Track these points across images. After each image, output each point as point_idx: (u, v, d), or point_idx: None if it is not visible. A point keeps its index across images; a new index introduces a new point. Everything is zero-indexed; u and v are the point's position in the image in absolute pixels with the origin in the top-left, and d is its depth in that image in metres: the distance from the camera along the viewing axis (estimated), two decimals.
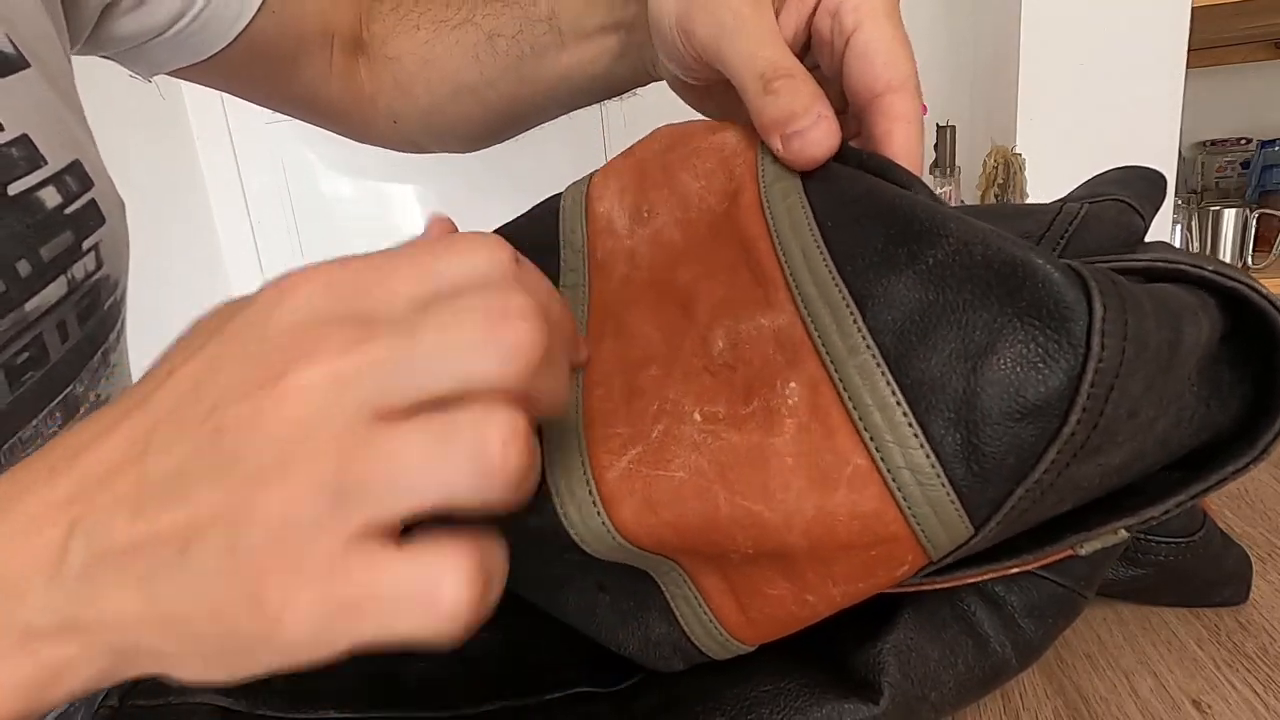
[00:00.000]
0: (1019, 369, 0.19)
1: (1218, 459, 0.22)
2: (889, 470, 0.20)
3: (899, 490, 0.20)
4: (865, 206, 0.24)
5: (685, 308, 0.25)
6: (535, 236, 0.31)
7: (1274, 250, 1.36)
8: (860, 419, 0.20)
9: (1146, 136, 1.25)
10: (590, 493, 0.22)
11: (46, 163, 0.32)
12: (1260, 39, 1.55)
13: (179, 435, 0.16)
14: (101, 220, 0.35)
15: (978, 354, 0.19)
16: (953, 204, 1.34)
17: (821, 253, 0.24)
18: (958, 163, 1.35)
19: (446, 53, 0.48)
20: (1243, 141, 1.63)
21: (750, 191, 0.27)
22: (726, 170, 0.28)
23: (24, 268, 0.30)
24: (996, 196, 1.22)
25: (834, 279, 0.23)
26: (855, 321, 0.21)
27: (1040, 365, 0.19)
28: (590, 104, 0.49)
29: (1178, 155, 1.28)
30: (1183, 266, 0.21)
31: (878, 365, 0.21)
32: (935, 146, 1.34)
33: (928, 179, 1.36)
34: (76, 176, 0.34)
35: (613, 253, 0.29)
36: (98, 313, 0.36)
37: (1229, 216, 1.35)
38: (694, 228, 0.28)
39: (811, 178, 0.26)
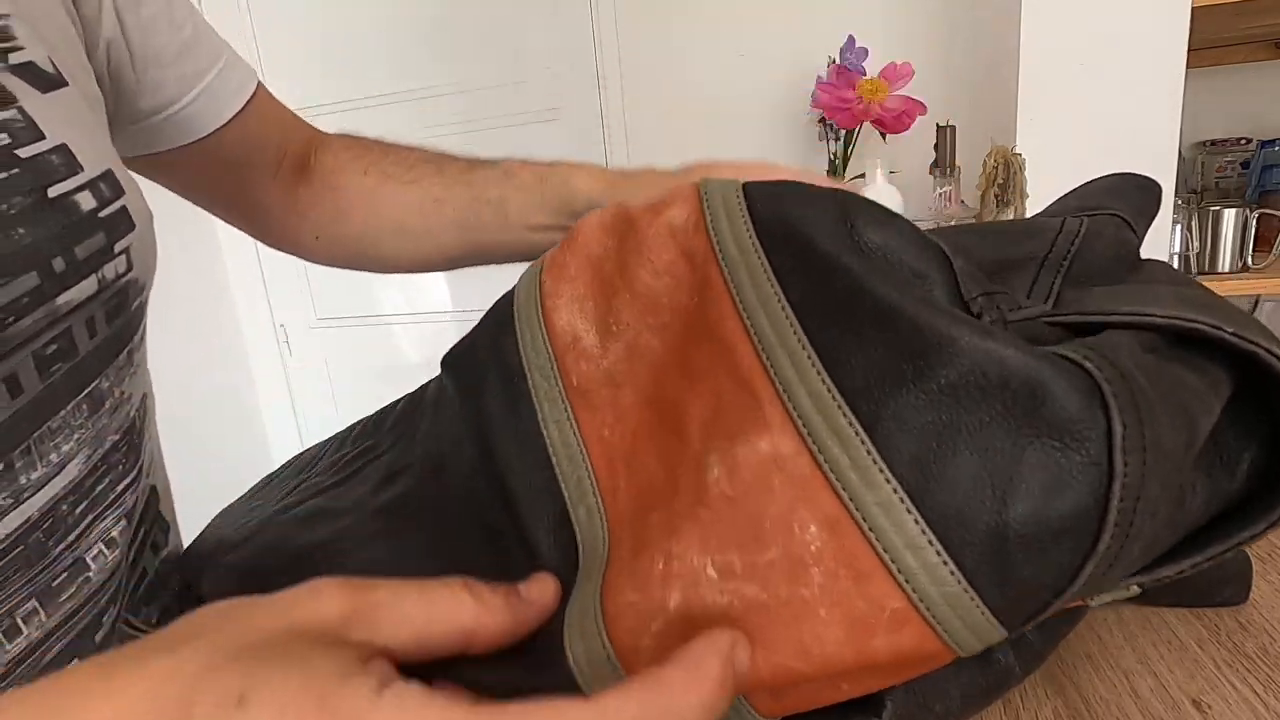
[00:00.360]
0: (1046, 494, 0.19)
1: (1234, 521, 0.22)
2: (928, 609, 0.19)
3: (938, 624, 0.19)
4: (856, 309, 0.22)
5: (678, 430, 0.23)
6: (496, 361, 0.29)
7: (1274, 250, 1.36)
8: (892, 561, 0.19)
9: (1146, 136, 1.25)
10: (619, 675, 0.21)
11: (83, 170, 0.35)
12: (1260, 39, 1.55)
13: None
14: (132, 226, 0.37)
15: (1003, 482, 0.19)
16: (952, 205, 1.34)
17: (814, 363, 0.22)
18: (958, 163, 1.35)
19: (391, 199, 0.52)
20: (1243, 141, 1.63)
21: (716, 277, 0.24)
22: (686, 257, 0.26)
23: (59, 264, 0.33)
24: (996, 197, 1.22)
25: (834, 399, 0.21)
26: (870, 453, 0.20)
27: (1066, 489, 0.18)
28: None
29: (1178, 155, 1.28)
30: (1201, 326, 0.20)
31: (901, 501, 0.19)
32: (935, 146, 1.34)
33: (927, 179, 1.36)
34: (109, 184, 0.36)
35: (589, 377, 0.27)
36: (125, 313, 0.38)
37: (1229, 216, 1.35)
38: (670, 331, 0.25)
39: (784, 262, 0.24)
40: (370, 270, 0.58)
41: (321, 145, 0.56)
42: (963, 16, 1.53)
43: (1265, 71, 1.60)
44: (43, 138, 0.33)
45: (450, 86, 1.82)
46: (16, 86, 0.33)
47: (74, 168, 0.34)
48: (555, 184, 0.48)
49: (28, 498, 0.33)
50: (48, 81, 0.35)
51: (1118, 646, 0.33)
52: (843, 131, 1.43)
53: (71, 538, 0.36)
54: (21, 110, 0.33)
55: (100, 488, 0.38)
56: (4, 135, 0.32)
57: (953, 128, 1.33)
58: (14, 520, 0.33)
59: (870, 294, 0.22)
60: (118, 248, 0.36)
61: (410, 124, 1.86)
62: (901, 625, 0.19)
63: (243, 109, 0.49)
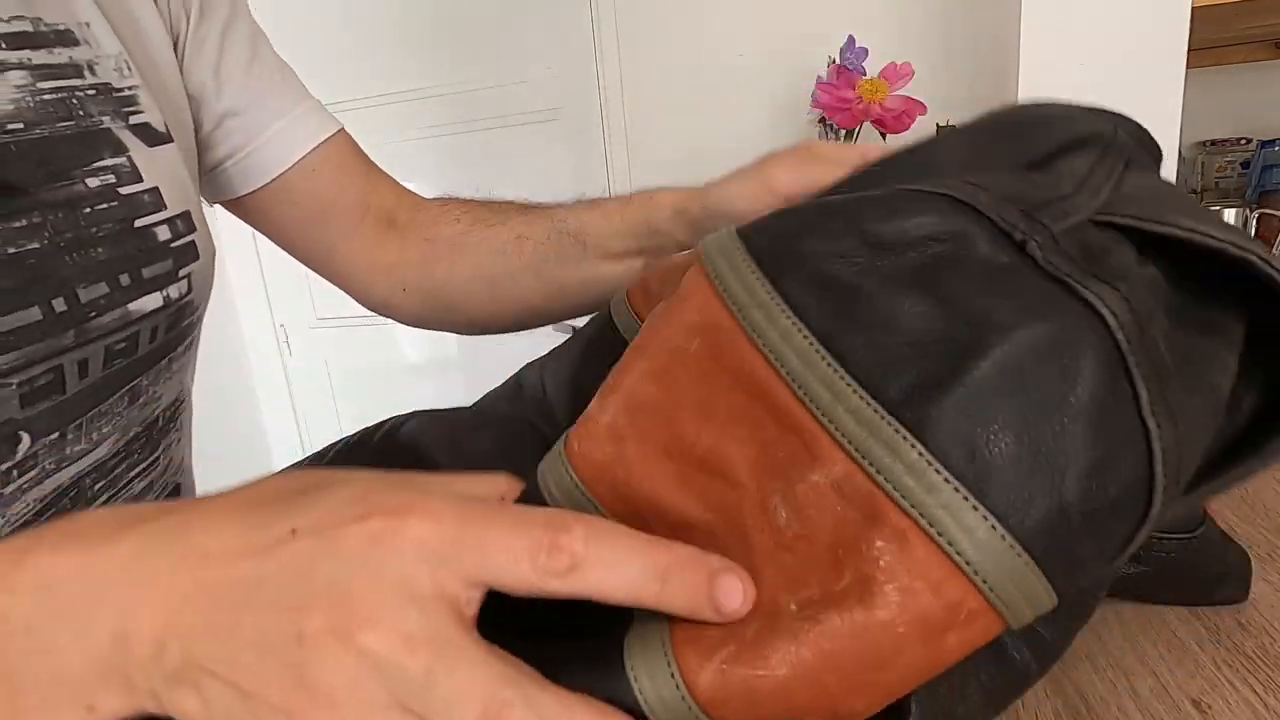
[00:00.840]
0: (1098, 471, 0.19)
1: (1225, 463, 0.22)
2: (1003, 603, 0.19)
3: (1007, 609, 0.19)
4: (885, 323, 0.22)
5: (724, 475, 0.23)
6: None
7: (1274, 250, 1.36)
8: (967, 564, 0.19)
9: None
10: (681, 695, 0.20)
11: (167, 208, 0.44)
12: (1260, 39, 1.55)
13: (273, 621, 0.20)
14: (196, 257, 0.46)
15: (1059, 465, 0.19)
16: None
17: (848, 383, 0.21)
18: None
19: (476, 244, 0.56)
20: (1243, 141, 1.62)
21: (726, 322, 0.24)
22: (680, 299, 0.25)
23: (124, 279, 0.41)
24: None
25: (877, 411, 0.21)
26: (922, 455, 0.20)
27: (1115, 462, 0.19)
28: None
29: (1178, 155, 1.28)
30: (1221, 243, 0.21)
31: (965, 499, 0.19)
32: None
33: None
34: (185, 222, 0.45)
35: (590, 441, 0.25)
36: (177, 328, 0.46)
37: (1229, 216, 1.35)
38: (670, 377, 0.24)
39: (795, 290, 0.23)
40: (456, 328, 0.60)
41: (417, 204, 0.60)
42: (963, 16, 1.53)
43: (1265, 71, 1.60)
44: (141, 181, 0.43)
45: (450, 86, 1.82)
46: (131, 141, 0.43)
47: (159, 206, 0.43)
48: (638, 204, 0.50)
49: (65, 467, 0.40)
50: (156, 138, 0.45)
51: (1118, 646, 0.33)
52: (843, 131, 1.43)
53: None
54: (130, 159, 0.42)
55: (118, 470, 0.44)
56: (112, 176, 0.41)
57: (952, 127, 1.33)
58: (49, 485, 0.39)
59: (889, 301, 0.22)
60: (181, 273, 0.44)
61: (410, 124, 1.86)
62: (975, 619, 0.19)
63: (299, 163, 0.54)
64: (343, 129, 0.57)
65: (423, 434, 0.37)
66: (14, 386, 0.37)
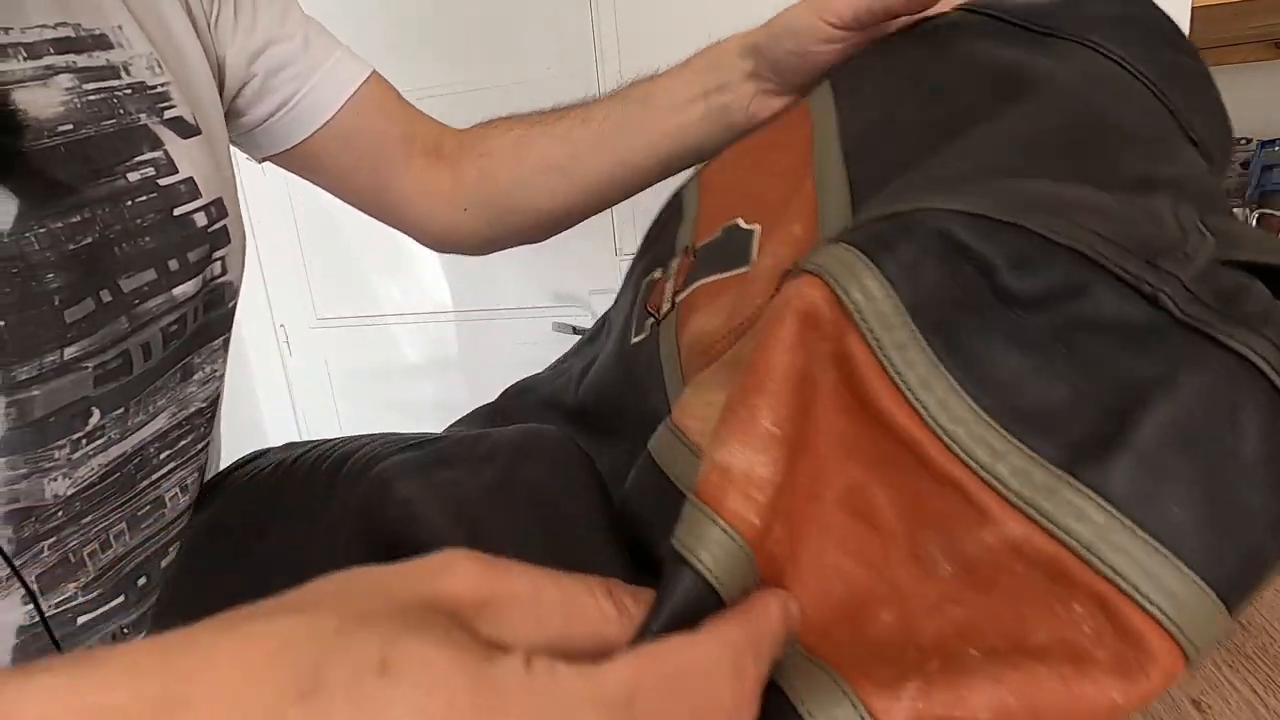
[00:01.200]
0: (1253, 488, 0.19)
1: None
2: (1198, 651, 0.19)
3: (1198, 656, 0.19)
4: (1020, 376, 0.21)
5: (869, 520, 0.22)
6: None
7: None
8: (1172, 623, 0.19)
9: None
10: None
11: (202, 196, 0.47)
12: (1260, 39, 1.55)
13: None
14: (229, 240, 0.49)
15: (1246, 512, 0.19)
16: None
17: (1009, 440, 0.20)
18: None
19: (539, 138, 0.58)
20: (1243, 141, 1.63)
21: (860, 352, 0.22)
22: (810, 326, 0.23)
23: (174, 265, 0.45)
24: None
25: (1052, 473, 0.20)
26: (1114, 516, 0.19)
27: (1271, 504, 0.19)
28: (674, 174, 0.54)
29: None
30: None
31: (1163, 555, 0.19)
32: None
33: None
34: (218, 208, 0.49)
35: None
36: (220, 307, 0.50)
37: None
38: (809, 414, 0.23)
39: (939, 342, 0.22)
40: (525, 234, 0.60)
41: (458, 132, 0.63)
42: None
43: (1265, 71, 1.60)
44: (177, 172, 0.46)
45: (450, 86, 1.82)
46: (165, 134, 0.46)
47: (195, 194, 0.47)
48: (703, 53, 0.52)
49: (129, 436, 0.45)
50: (188, 130, 0.48)
51: None
52: None
53: (155, 477, 0.47)
54: (166, 152, 0.45)
55: (184, 442, 0.49)
56: (151, 169, 0.44)
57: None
58: (114, 452, 0.44)
59: (1032, 365, 0.21)
60: (216, 255, 0.48)
61: None
62: (1176, 674, 0.19)
63: (346, 105, 0.57)
64: (375, 70, 0.60)
65: (423, 501, 0.34)
66: (89, 369, 0.41)
